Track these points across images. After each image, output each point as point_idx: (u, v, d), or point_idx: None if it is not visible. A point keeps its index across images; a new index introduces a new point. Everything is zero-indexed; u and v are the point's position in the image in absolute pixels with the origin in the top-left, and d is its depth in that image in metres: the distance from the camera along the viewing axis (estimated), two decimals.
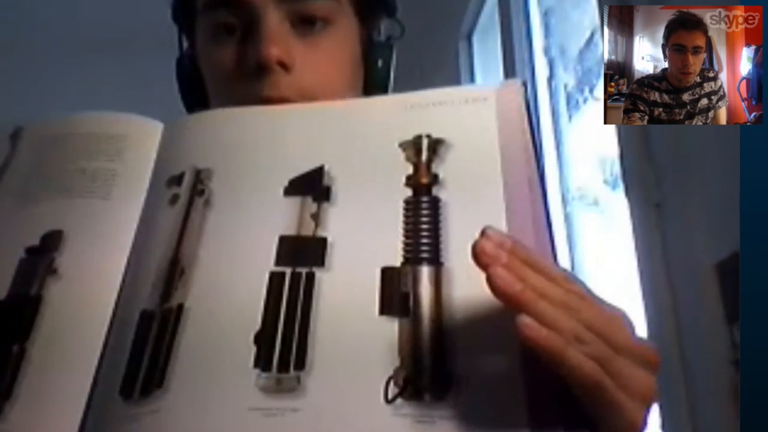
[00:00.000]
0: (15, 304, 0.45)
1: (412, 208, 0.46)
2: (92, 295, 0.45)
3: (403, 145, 0.48)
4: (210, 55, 0.66)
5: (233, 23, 0.63)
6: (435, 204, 0.45)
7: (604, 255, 1.53)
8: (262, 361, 0.41)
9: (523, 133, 0.47)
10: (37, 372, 0.42)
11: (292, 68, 0.62)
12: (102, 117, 0.54)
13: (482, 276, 0.38)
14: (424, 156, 0.48)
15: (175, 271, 0.45)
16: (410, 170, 0.47)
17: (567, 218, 1.70)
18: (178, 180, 0.50)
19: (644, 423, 0.40)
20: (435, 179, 0.46)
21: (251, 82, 0.62)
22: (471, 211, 0.45)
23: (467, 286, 0.41)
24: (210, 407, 0.40)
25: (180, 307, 0.44)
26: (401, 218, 0.45)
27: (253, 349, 0.41)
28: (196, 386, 0.40)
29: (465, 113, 0.50)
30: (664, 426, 1.15)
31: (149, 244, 0.47)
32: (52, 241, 0.47)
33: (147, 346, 0.43)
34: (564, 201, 1.72)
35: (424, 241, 0.44)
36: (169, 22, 0.72)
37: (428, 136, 0.48)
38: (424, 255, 0.43)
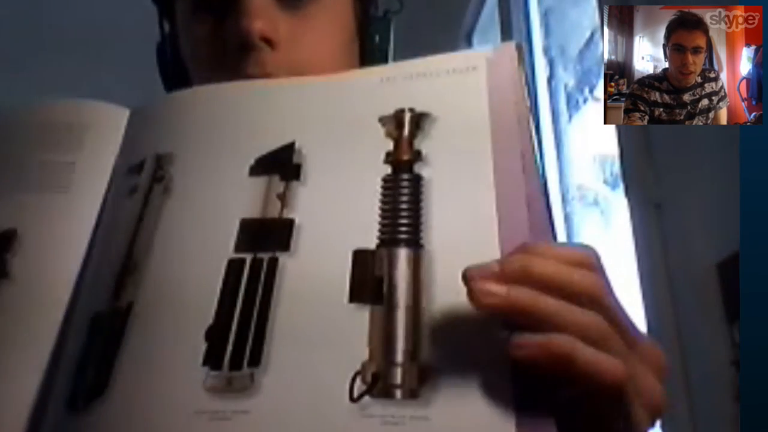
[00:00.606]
0: None
1: (390, 186, 0.41)
2: (45, 299, 0.42)
3: (383, 120, 0.44)
4: (189, 33, 0.61)
5: None
6: (416, 182, 0.41)
7: (604, 255, 1.52)
8: (212, 359, 0.37)
9: (516, 104, 0.43)
10: None
11: (278, 44, 0.57)
12: (61, 105, 0.50)
13: (465, 261, 0.35)
14: (405, 130, 0.43)
15: (127, 267, 0.41)
16: (391, 146, 0.43)
17: (567, 218, 1.70)
18: (138, 168, 0.45)
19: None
20: (417, 156, 0.42)
21: (234, 60, 0.56)
22: (456, 190, 0.40)
23: (448, 271, 0.36)
24: (152, 413, 0.36)
25: (129, 306, 0.39)
26: (378, 197, 0.41)
27: (204, 346, 0.37)
28: (139, 392, 0.36)
29: (452, 83, 0.45)
30: (664, 426, 1.15)
31: (108, 240, 0.43)
32: (4, 241, 0.44)
33: (95, 351, 0.39)
34: (564, 201, 1.73)
35: (403, 221, 0.40)
36: (147, 9, 0.69)
37: (411, 110, 0.44)
38: (402, 236, 0.39)
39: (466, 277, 0.34)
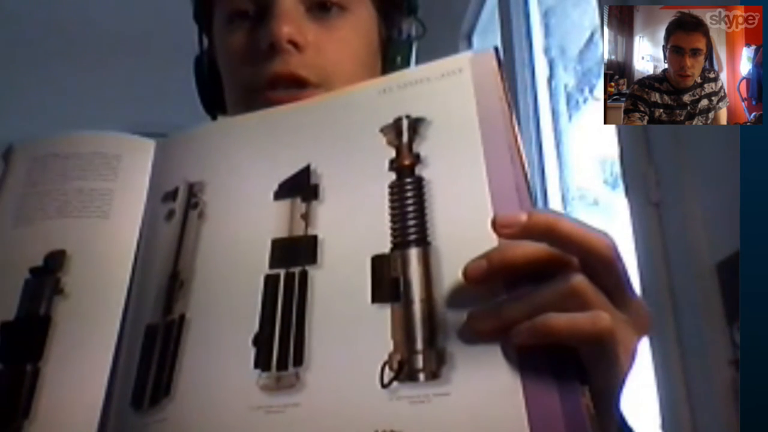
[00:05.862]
0: (25, 324, 0.47)
1: (396, 191, 0.46)
2: (99, 313, 0.47)
3: (384, 130, 0.49)
4: (225, 40, 0.67)
5: (248, 8, 0.65)
6: (418, 184, 0.46)
7: None
8: (262, 362, 0.42)
9: (500, 100, 0.47)
10: (52, 390, 0.44)
11: (304, 48, 0.63)
12: (93, 137, 0.55)
13: (468, 251, 0.40)
14: (404, 137, 0.48)
15: (175, 285, 0.47)
16: (393, 154, 0.48)
17: None
18: (172, 195, 0.51)
19: (630, 368, 0.41)
20: (417, 159, 0.47)
21: (263, 62, 0.63)
22: (454, 187, 0.45)
23: (455, 263, 0.41)
24: (214, 410, 0.41)
25: (182, 318, 0.45)
26: (387, 203, 0.46)
27: (253, 351, 0.43)
28: (201, 392, 0.42)
29: (442, 88, 0.50)
30: (664, 426, 1.15)
31: (150, 260, 0.49)
32: (56, 261, 0.48)
33: (153, 357, 0.44)
34: (564, 201, 1.73)
35: (411, 223, 0.45)
36: (184, 23, 0.74)
37: (408, 117, 0.49)
38: (411, 237, 0.44)
39: (494, 223, 0.40)
